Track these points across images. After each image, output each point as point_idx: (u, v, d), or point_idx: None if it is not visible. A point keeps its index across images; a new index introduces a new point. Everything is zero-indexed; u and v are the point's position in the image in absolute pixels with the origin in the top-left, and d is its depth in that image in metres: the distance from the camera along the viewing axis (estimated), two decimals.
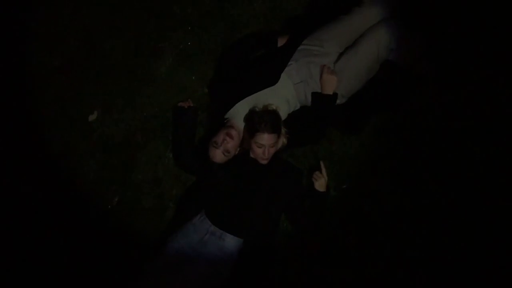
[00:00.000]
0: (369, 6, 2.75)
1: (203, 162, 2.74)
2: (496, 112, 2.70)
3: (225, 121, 2.75)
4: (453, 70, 2.78)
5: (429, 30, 2.77)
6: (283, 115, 2.69)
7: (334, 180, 2.80)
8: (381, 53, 2.67)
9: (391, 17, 2.73)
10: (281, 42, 2.88)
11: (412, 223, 2.66)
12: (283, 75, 2.69)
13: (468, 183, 2.65)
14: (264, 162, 2.65)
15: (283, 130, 2.64)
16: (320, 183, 2.66)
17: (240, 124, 2.70)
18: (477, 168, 2.65)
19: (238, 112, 2.70)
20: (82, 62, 3.31)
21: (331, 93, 2.65)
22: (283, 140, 2.66)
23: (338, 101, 2.69)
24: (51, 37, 3.39)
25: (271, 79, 2.69)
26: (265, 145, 2.56)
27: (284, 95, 2.70)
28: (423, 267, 2.59)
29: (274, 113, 2.60)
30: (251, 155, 2.68)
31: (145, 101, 3.17)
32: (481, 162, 2.66)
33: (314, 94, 2.69)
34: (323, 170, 2.68)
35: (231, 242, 2.55)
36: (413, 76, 2.77)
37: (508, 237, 2.53)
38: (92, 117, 3.19)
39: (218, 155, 2.65)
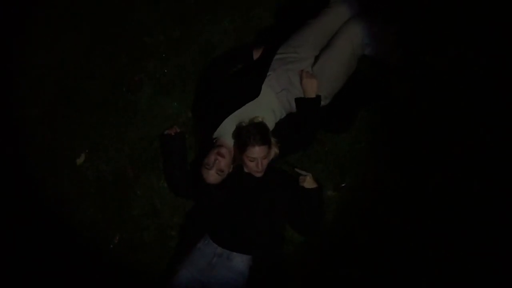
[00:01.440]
0: (337, 6, 2.79)
1: (198, 186, 2.71)
2: (484, 97, 2.72)
3: (214, 141, 2.72)
4: (429, 55, 2.82)
5: (400, 19, 2.81)
6: (270, 125, 2.68)
7: (333, 181, 2.81)
8: (356, 50, 2.70)
9: (360, 13, 2.77)
10: (256, 54, 2.89)
11: (414, 213, 2.68)
12: (264, 86, 2.68)
13: (464, 167, 2.67)
14: (259, 174, 2.63)
15: (273, 140, 2.61)
16: (308, 181, 2.66)
17: (229, 141, 2.67)
18: (469, 153, 2.68)
19: (226, 130, 2.68)
20: (61, 108, 3.27)
21: (314, 96, 2.65)
22: (274, 150, 2.64)
23: (322, 103, 2.69)
24: (27, 88, 3.36)
25: (253, 93, 2.68)
26: (257, 157, 2.54)
27: (268, 106, 2.69)
28: (429, 262, 2.60)
29: (261, 125, 2.59)
30: (245, 170, 2.67)
31: (130, 136, 3.15)
32: (473, 147, 2.68)
33: (297, 100, 2.69)
34: (302, 172, 2.71)
35: (239, 260, 2.52)
36: (391, 66, 2.80)
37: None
38: (79, 161, 3.16)
39: (212, 176, 2.62)
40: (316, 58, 2.73)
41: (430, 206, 2.66)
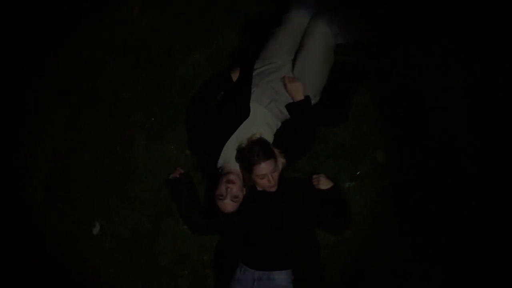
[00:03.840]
0: (297, 8, 2.85)
1: (218, 218, 2.68)
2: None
3: (220, 170, 2.71)
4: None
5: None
6: (269, 138, 2.68)
7: (347, 172, 2.81)
8: (329, 43, 2.74)
9: (321, 8, 2.82)
10: (234, 76, 2.89)
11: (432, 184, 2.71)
12: (251, 103, 2.70)
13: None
14: (273, 189, 2.61)
15: (276, 151, 2.61)
16: (322, 182, 2.66)
17: (234, 166, 2.66)
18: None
19: (228, 156, 2.68)
20: (61, 185, 3.26)
21: (302, 97, 2.67)
22: (281, 161, 2.63)
23: (312, 101, 2.71)
24: (23, 175, 3.34)
25: (243, 113, 2.69)
26: (266, 173, 2.52)
27: (261, 121, 2.70)
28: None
29: (261, 141, 2.58)
30: (259, 189, 2.65)
31: (137, 191, 3.14)
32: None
33: (288, 106, 2.71)
34: (314, 176, 2.71)
35: (280, 277, 2.50)
36: (367, 45, 2.87)
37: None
38: (95, 230, 3.13)
39: (228, 205, 2.58)
40: (293, 61, 2.76)
41: (448, 173, 2.69)
